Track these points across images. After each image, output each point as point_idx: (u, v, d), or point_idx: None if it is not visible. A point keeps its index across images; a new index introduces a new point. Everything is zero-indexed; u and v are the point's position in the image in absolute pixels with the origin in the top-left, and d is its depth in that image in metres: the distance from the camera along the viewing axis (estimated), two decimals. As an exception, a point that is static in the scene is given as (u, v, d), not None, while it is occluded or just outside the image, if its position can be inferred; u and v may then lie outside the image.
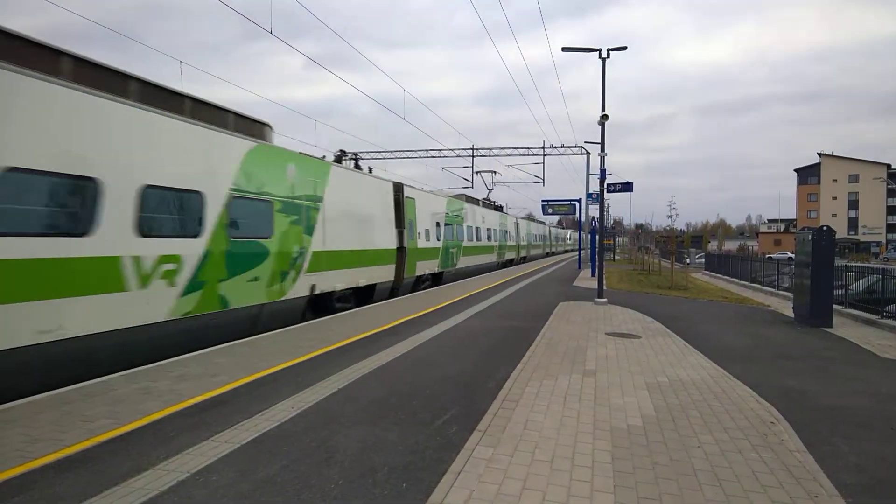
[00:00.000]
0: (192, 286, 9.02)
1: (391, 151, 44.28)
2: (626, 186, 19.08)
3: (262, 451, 4.64)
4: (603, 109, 16.99)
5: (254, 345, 9.16)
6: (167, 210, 8.78)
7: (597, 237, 22.53)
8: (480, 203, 32.59)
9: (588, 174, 36.73)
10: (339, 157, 23.56)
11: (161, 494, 3.86)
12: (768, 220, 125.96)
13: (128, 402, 5.91)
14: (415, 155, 44.19)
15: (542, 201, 35.27)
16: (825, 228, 12.98)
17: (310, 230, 12.75)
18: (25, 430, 5.09)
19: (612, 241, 57.62)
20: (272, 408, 5.78)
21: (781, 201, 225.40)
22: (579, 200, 35.42)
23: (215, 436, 4.97)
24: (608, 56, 16.81)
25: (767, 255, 50.82)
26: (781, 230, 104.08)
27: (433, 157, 43.96)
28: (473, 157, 42.47)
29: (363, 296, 15.76)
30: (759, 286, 23.29)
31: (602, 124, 16.96)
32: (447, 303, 15.20)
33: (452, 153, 43.30)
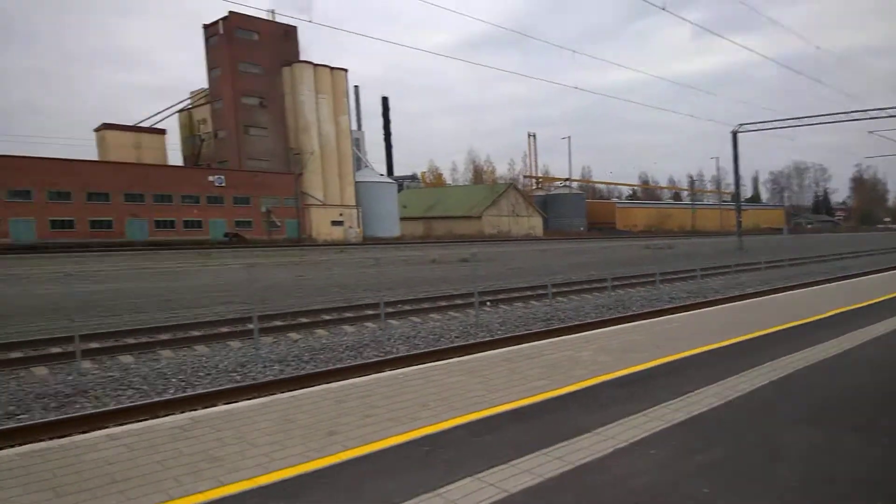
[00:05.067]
0: None
1: (798, 118, 39.08)
2: None
3: (696, 435, 4.50)
4: None
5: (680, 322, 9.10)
6: None
7: None
8: None
9: None
10: None
11: (605, 458, 4.07)
12: None
13: (560, 367, 6.50)
14: (830, 120, 38.04)
15: None
16: None
17: None
18: (483, 382, 6.03)
19: None
20: (697, 392, 5.57)
21: None
22: None
23: (645, 411, 5.02)
24: None
25: None
26: None
27: (855, 119, 37.18)
28: (917, 114, 34.25)
29: None
30: None
31: None
32: None
33: (883, 113, 35.72)
